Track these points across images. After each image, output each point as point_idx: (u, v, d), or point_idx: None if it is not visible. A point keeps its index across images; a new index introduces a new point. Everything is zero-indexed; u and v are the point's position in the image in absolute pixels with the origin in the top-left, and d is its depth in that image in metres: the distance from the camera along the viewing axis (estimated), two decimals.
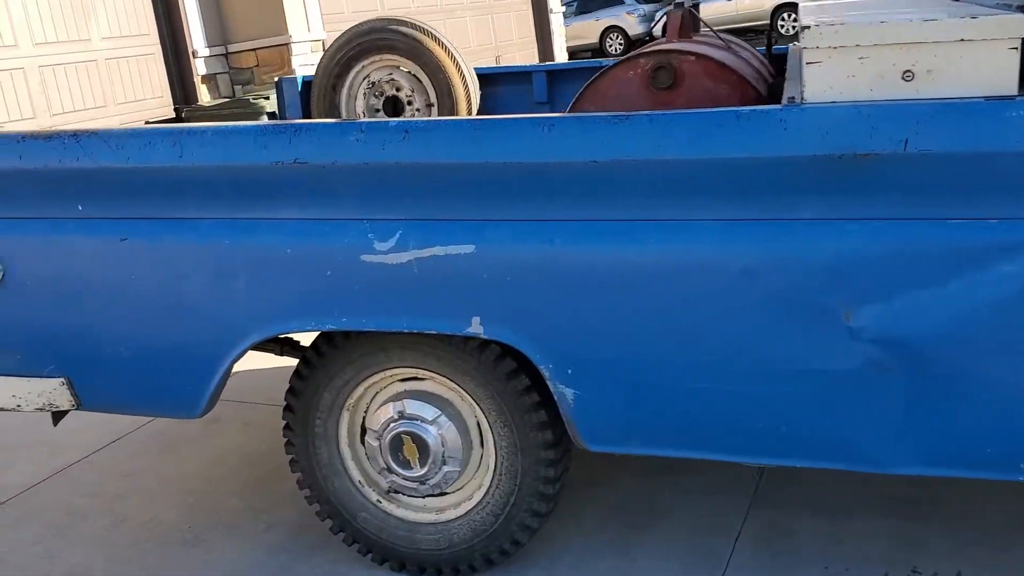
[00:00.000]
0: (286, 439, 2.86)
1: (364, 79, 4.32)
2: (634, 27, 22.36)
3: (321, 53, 8.49)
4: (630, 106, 2.82)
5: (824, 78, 2.14)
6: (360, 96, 4.34)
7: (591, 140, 2.24)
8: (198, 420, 3.85)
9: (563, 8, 12.51)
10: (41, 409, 2.90)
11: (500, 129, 2.31)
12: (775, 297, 2.22)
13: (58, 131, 2.65)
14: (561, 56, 12.68)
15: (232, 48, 7.94)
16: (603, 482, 3.23)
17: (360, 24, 4.26)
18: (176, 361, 2.70)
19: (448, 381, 2.66)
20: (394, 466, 2.74)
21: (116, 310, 2.71)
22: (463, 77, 4.17)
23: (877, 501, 2.95)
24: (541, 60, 12.29)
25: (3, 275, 2.77)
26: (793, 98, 2.21)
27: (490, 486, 2.72)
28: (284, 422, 2.85)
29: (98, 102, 7.35)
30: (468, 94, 4.19)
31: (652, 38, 22.18)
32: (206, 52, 7.80)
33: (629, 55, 2.84)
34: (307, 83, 4.59)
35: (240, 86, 8.10)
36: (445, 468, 2.70)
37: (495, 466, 2.69)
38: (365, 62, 4.28)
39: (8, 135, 2.68)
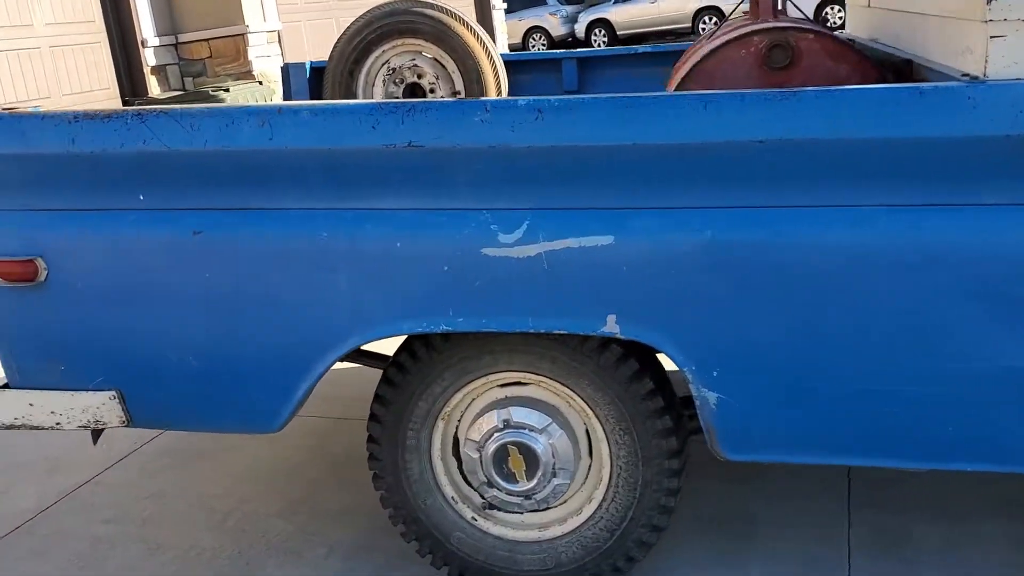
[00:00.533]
0: (370, 453, 2.59)
1: (383, 65, 4.04)
2: (557, 28, 22.32)
3: (276, 44, 8.15)
4: (740, 88, 2.64)
5: (1010, 53, 1.98)
6: (379, 83, 4.07)
7: (755, 118, 2.05)
8: (210, 434, 3.54)
9: (504, 5, 12.29)
10: (84, 427, 2.56)
11: (650, 107, 2.10)
12: (955, 289, 2.06)
13: (119, 110, 2.33)
14: (503, 51, 12.47)
15: (183, 38, 7.49)
16: (688, 490, 3.04)
17: (381, 6, 3.98)
18: (258, 370, 2.40)
19: (559, 386, 2.43)
20: (498, 480, 2.49)
21: (184, 313, 2.40)
22: (493, 64, 3.94)
23: (987, 502, 2.83)
24: None
25: (47, 275, 2.43)
26: (969, 75, 2.05)
27: (604, 499, 2.50)
28: (368, 434, 2.58)
29: (42, 92, 6.84)
30: (498, 82, 3.95)
31: (575, 39, 22.15)
32: (156, 42, 7.34)
33: (740, 33, 2.65)
34: (315, 69, 4.30)
35: (191, 78, 7.65)
36: (555, 481, 2.47)
37: (610, 477, 2.47)
38: (386, 46, 4.00)
39: (58, 115, 2.35)
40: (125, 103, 7.25)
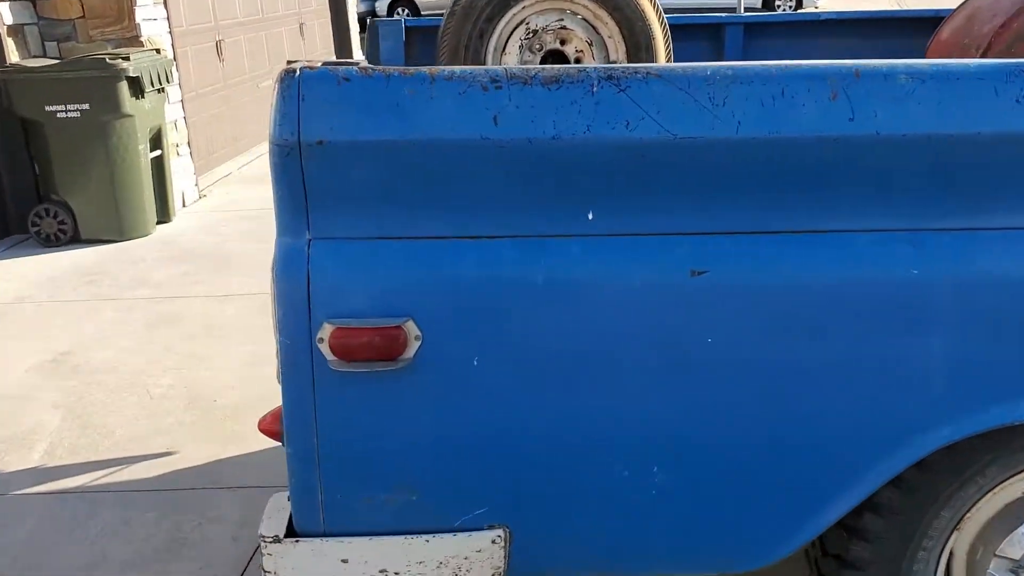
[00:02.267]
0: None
1: (520, 24, 3.11)
2: (357, 6, 21.07)
3: (163, 6, 6.73)
4: None
5: None
6: (513, 49, 3.13)
7: None
8: None
9: None
10: None
11: None
12: None
13: (571, 70, 1.38)
14: (353, 23, 11.35)
15: None
16: None
17: None
18: (769, 480, 1.52)
19: None
20: None
21: (658, 400, 1.48)
22: (664, 29, 3.11)
23: None
24: (335, 27, 10.88)
25: (418, 349, 1.42)
26: None
27: None
28: (843, 556, 1.75)
29: None
30: (669, 52, 3.13)
31: (375, 17, 21.07)
32: None
33: None
34: (411, 29, 3.29)
35: (55, 42, 6.13)
36: None
37: None
38: (527, 2, 3.08)
39: (463, 75, 1.36)
40: None
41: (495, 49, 3.10)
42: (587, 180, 1.41)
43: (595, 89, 1.36)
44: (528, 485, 1.52)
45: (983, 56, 2.63)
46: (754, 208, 1.43)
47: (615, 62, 3.15)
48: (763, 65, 1.39)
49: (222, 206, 6.50)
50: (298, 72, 1.35)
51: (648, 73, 1.38)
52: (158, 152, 5.86)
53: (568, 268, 1.43)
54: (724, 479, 1.52)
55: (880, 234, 1.45)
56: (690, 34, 3.36)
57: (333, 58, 3.00)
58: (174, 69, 6.20)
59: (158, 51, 6.06)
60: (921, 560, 1.74)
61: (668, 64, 1.39)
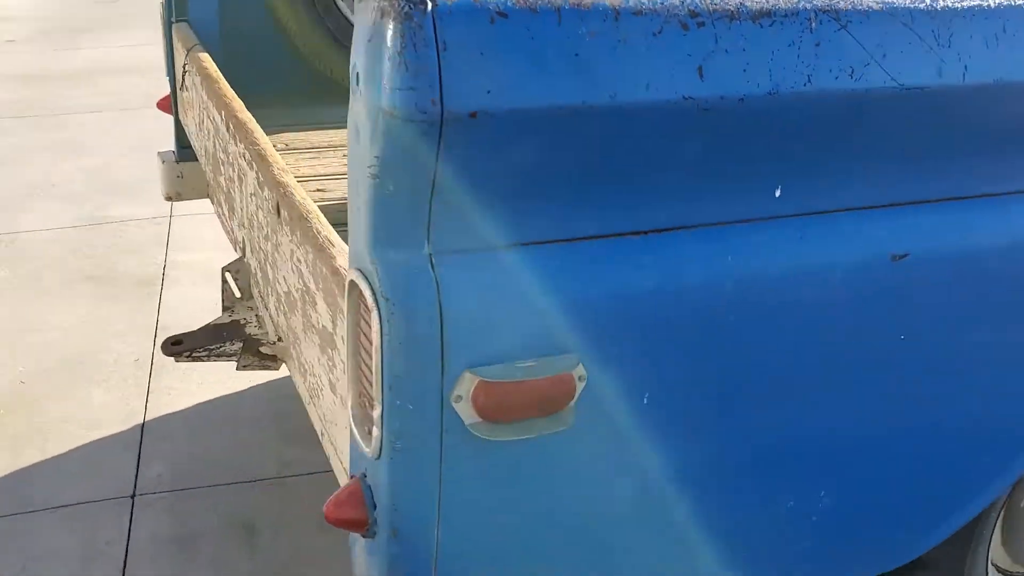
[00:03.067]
0: None
1: None
2: None
3: None
4: None
5: None
6: None
7: None
8: None
9: None
10: None
11: None
12: None
13: (778, 3, 1.01)
14: None
15: None
16: None
17: None
18: (957, 469, 1.34)
19: None
20: None
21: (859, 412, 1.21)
22: None
23: None
24: None
25: (579, 395, 1.03)
26: None
27: None
28: None
29: None
30: None
31: None
32: None
33: None
34: None
35: None
36: None
37: None
38: None
39: (660, 5, 0.96)
40: None
41: None
42: (787, 148, 1.06)
43: (813, 25, 1.01)
44: (702, 543, 1.19)
45: None
46: (962, 174, 1.16)
47: None
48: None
49: None
50: (429, 5, 0.86)
51: (864, 2, 1.04)
52: None
53: (752, 262, 1.09)
54: (910, 476, 1.31)
55: None
56: None
57: None
58: None
59: None
60: (988, 523, 1.63)
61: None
